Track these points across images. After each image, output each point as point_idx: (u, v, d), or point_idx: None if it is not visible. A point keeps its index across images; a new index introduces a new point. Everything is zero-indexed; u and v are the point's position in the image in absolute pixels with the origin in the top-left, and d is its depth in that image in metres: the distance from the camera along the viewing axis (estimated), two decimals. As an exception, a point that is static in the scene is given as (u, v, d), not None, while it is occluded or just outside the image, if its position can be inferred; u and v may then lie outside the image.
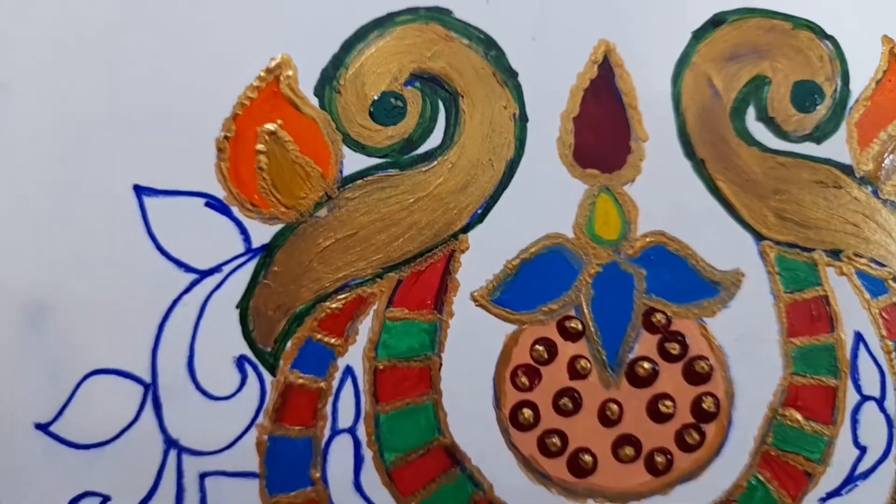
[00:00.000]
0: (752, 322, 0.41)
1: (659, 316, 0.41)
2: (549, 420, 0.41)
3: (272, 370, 0.40)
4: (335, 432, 0.40)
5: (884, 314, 0.42)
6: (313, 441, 0.40)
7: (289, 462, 0.40)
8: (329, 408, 0.40)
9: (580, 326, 0.41)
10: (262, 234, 0.40)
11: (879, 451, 0.42)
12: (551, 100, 0.41)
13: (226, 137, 0.39)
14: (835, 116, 0.41)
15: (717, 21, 0.41)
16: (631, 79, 0.41)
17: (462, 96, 0.40)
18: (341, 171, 0.40)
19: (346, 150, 0.40)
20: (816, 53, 0.41)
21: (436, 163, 0.40)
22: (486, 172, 0.41)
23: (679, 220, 0.41)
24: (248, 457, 0.40)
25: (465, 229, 0.41)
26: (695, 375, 0.41)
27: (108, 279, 0.39)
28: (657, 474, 0.41)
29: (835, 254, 0.42)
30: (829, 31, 0.41)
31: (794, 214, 0.41)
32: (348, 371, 0.40)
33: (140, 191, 0.39)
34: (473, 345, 0.41)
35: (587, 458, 0.41)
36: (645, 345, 0.41)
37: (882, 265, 0.42)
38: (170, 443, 0.40)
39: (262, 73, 0.40)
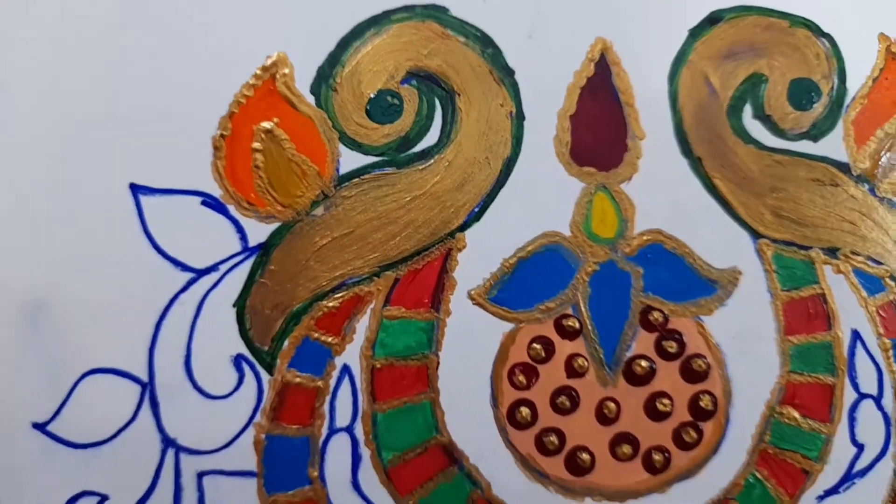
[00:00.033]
0: (750, 320, 0.41)
1: (656, 314, 0.41)
2: (547, 418, 0.41)
3: (269, 369, 0.40)
4: (333, 431, 0.40)
5: (881, 312, 0.42)
6: (311, 440, 0.40)
7: (286, 461, 0.40)
8: (326, 407, 0.40)
9: (577, 325, 0.41)
10: (258, 232, 0.40)
11: (877, 448, 0.42)
12: (548, 98, 0.41)
13: (222, 136, 0.39)
14: (831, 114, 0.42)
15: (713, 19, 0.41)
16: (628, 77, 0.41)
17: (458, 94, 0.40)
18: (338, 170, 0.40)
19: (342, 148, 0.40)
20: (813, 51, 0.41)
21: (432, 161, 0.40)
22: (482, 171, 0.41)
23: (676, 218, 0.41)
24: (245, 456, 0.40)
25: (462, 228, 0.41)
26: (692, 373, 0.41)
27: (105, 278, 0.39)
28: (655, 472, 0.41)
29: (832, 252, 0.42)
30: (825, 29, 0.41)
31: (790, 212, 0.41)
32: (345, 370, 0.40)
33: (136, 189, 0.39)
34: (471, 343, 0.41)
35: (585, 456, 0.41)
36: (642, 343, 0.41)
37: (879, 263, 0.42)
38: (167, 442, 0.40)
39: (259, 72, 0.39)
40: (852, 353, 0.41)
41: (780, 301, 0.41)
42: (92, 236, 0.39)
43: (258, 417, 0.40)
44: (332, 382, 0.40)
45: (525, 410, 0.41)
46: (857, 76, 0.42)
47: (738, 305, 0.41)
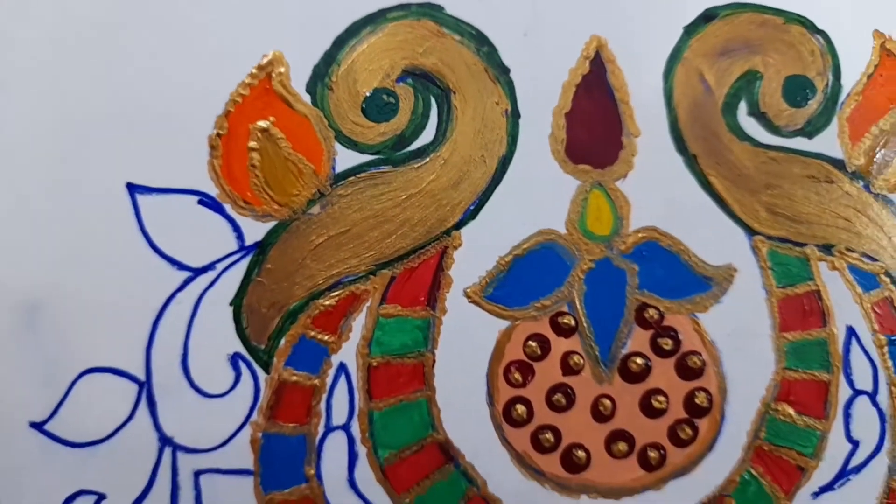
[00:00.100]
0: (745, 317, 0.41)
1: (651, 311, 0.41)
2: (543, 416, 0.41)
3: (266, 367, 0.40)
4: (329, 429, 0.40)
5: (876, 308, 0.42)
6: (307, 438, 0.40)
7: (283, 459, 0.40)
8: (323, 405, 0.40)
9: (573, 322, 0.41)
10: (255, 231, 0.40)
11: (872, 445, 0.42)
12: (543, 96, 0.41)
13: (218, 135, 0.39)
14: (826, 111, 0.42)
15: (708, 16, 0.41)
16: (623, 74, 0.41)
17: (454, 92, 0.40)
18: (334, 168, 0.40)
19: (338, 146, 0.40)
20: (808, 48, 0.41)
21: (428, 159, 0.40)
22: (478, 169, 0.41)
23: (671, 215, 0.41)
24: (242, 454, 0.40)
25: (458, 226, 0.41)
26: (687, 371, 0.41)
27: (102, 277, 0.39)
28: (650, 469, 0.41)
29: (827, 248, 0.42)
30: (820, 26, 0.41)
31: (785, 209, 0.41)
32: (342, 368, 0.40)
33: (133, 189, 0.39)
34: (466, 341, 0.41)
35: (580, 453, 0.41)
36: (637, 340, 0.41)
37: (874, 259, 0.42)
38: (164, 441, 0.40)
39: (255, 71, 0.40)
40: (847, 350, 0.42)
41: (775, 298, 0.41)
42: (89, 236, 0.39)
43: (255, 416, 0.40)
44: (329, 381, 0.40)
45: (521, 408, 0.41)
46: (852, 73, 0.42)
47: (734, 302, 0.41)
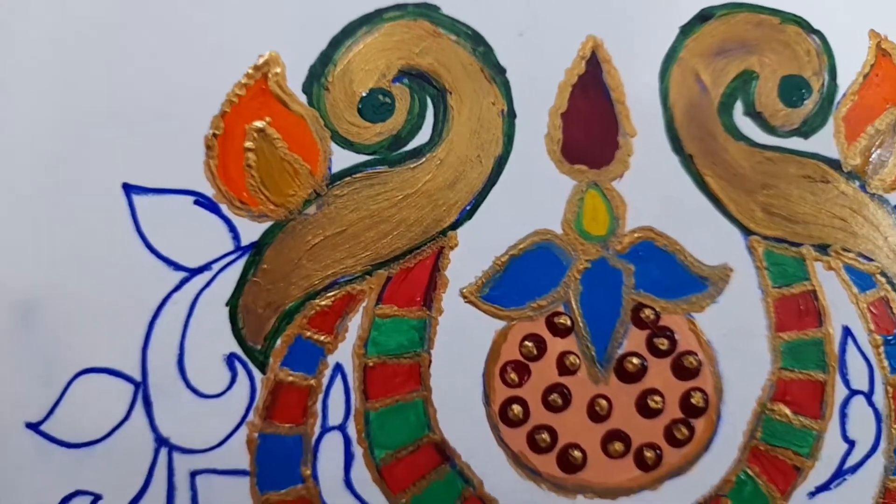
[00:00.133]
0: (741, 317, 0.41)
1: (647, 311, 0.41)
2: (539, 416, 0.41)
3: (262, 368, 0.40)
4: (325, 430, 0.40)
5: (872, 308, 0.42)
6: (303, 438, 0.40)
7: (279, 460, 0.40)
8: (319, 405, 0.40)
9: (569, 322, 0.41)
10: (251, 231, 0.40)
11: (868, 445, 0.42)
12: (539, 96, 0.41)
13: (214, 135, 0.39)
14: (822, 111, 0.42)
15: (704, 16, 0.41)
16: (619, 74, 0.41)
17: (450, 93, 0.40)
18: (330, 169, 0.40)
19: (334, 147, 0.40)
20: (804, 48, 0.41)
21: (424, 159, 0.40)
22: (474, 169, 0.41)
23: (667, 215, 0.41)
24: (238, 455, 0.40)
25: (454, 226, 0.41)
26: (683, 371, 0.41)
27: (98, 278, 0.39)
28: (646, 469, 0.41)
29: (822, 248, 0.42)
30: (816, 26, 0.41)
31: (781, 209, 0.41)
32: (338, 368, 0.40)
33: (129, 189, 0.39)
34: (463, 341, 0.41)
35: (576, 453, 0.41)
36: (633, 340, 0.41)
37: (870, 259, 0.42)
38: (160, 441, 0.40)
39: (251, 71, 0.39)
40: (843, 350, 0.41)
41: (771, 298, 0.41)
42: (84, 236, 0.39)
43: (251, 416, 0.40)
44: (325, 381, 0.40)
45: (517, 408, 0.41)
46: (848, 73, 0.42)
47: (730, 302, 0.41)
